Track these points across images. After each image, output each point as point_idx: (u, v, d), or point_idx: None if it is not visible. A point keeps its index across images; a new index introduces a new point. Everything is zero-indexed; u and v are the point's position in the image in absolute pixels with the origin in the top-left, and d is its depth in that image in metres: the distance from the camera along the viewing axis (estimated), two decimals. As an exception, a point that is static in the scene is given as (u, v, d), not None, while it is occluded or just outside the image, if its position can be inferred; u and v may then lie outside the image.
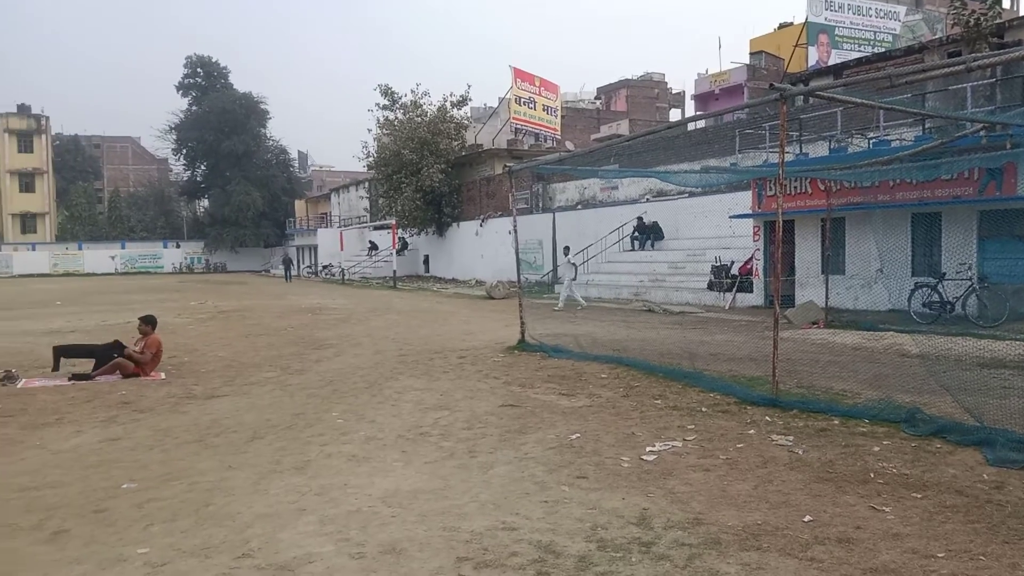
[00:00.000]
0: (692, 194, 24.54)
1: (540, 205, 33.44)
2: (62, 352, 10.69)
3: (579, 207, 30.83)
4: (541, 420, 7.24)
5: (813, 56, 34.95)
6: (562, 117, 44.46)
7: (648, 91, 62.26)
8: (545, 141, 41.61)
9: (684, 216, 25.10)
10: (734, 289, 19.86)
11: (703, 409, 7.52)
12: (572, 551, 4.06)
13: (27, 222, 68.73)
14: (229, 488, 5.32)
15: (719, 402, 7.82)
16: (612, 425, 6.97)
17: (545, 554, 4.03)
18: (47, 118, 70.47)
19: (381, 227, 44.83)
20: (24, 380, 9.96)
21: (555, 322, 15.58)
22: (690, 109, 58.69)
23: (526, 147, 39.52)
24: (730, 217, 21.13)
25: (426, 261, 43.65)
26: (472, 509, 4.76)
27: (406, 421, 7.34)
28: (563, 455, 5.98)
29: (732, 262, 20.71)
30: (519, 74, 39.74)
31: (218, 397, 8.84)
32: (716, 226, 23.07)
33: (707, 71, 52.28)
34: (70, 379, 9.96)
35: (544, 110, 41.37)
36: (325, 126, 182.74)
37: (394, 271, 37.69)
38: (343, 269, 44.77)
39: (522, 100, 39.71)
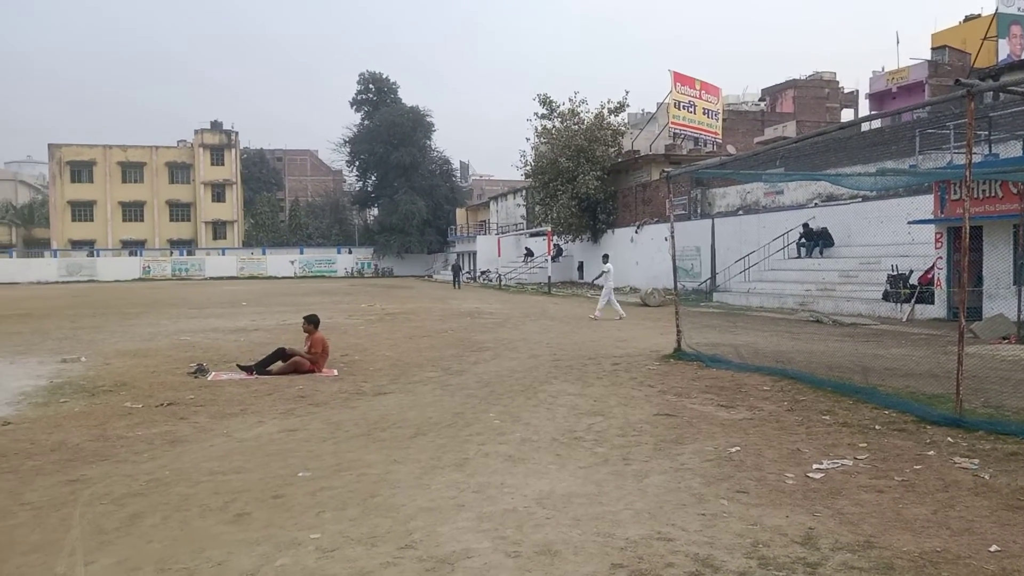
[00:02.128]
0: (866, 198, 23.10)
1: (699, 211, 32.64)
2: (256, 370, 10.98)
3: (740, 212, 29.82)
4: (698, 431, 7.07)
5: (1004, 49, 31.96)
6: (723, 120, 43.20)
7: (817, 91, 59.24)
8: (705, 145, 40.58)
9: (857, 222, 23.66)
10: (912, 300, 18.47)
11: (876, 427, 7.05)
12: (731, 567, 3.94)
13: (218, 229, 75.32)
14: (394, 481, 5.58)
15: (894, 420, 7.30)
16: (775, 440, 6.69)
17: (702, 567, 3.93)
18: (236, 133, 77.01)
19: (537, 234, 45.43)
20: (213, 373, 10.93)
21: (714, 331, 15.15)
22: (864, 109, 55.34)
23: (684, 152, 38.72)
24: (909, 223, 19.68)
25: (580, 267, 43.75)
26: (627, 516, 4.73)
27: (560, 425, 7.39)
28: (722, 468, 5.81)
29: (911, 271, 19.28)
30: (679, 78, 39.02)
31: (385, 394, 9.29)
32: (893, 232, 21.57)
33: (883, 68, 49.10)
34: (241, 369, 10.86)
35: (704, 113, 40.36)
36: (486, 136, 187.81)
37: (549, 277, 38.06)
38: (500, 275, 45.74)
39: (681, 104, 38.94)
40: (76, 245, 69.53)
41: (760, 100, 60.30)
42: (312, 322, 11.44)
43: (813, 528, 4.47)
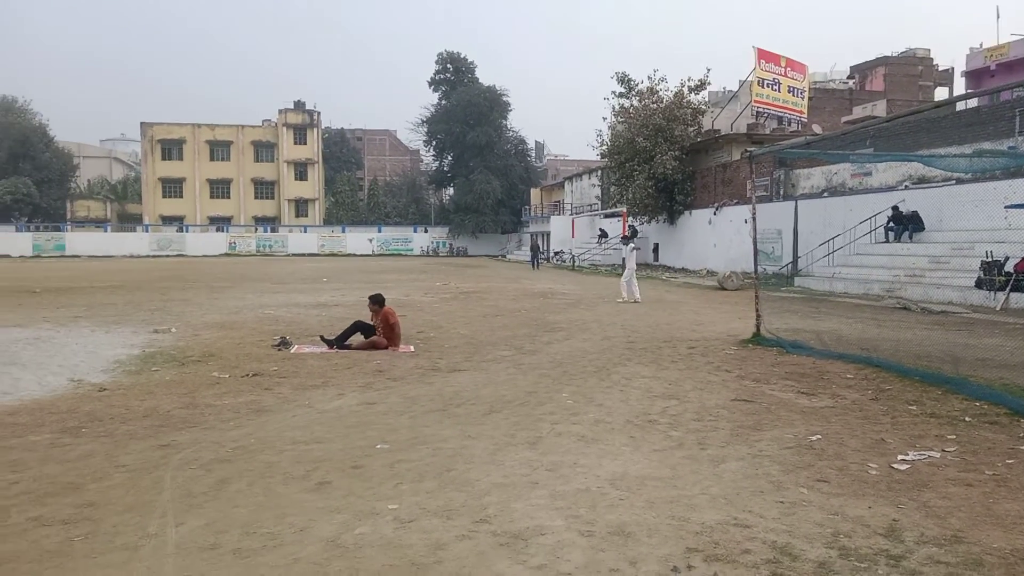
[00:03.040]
0: (960, 181, 21.98)
1: (781, 192, 31.71)
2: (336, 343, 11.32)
3: (825, 194, 28.83)
4: (777, 418, 6.91)
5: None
6: (809, 99, 41.73)
7: (910, 68, 56.54)
8: (789, 124, 39.30)
9: (950, 205, 22.56)
10: (1008, 288, 17.54)
11: (966, 419, 6.75)
12: (811, 556, 3.85)
13: (300, 207, 77.31)
14: (468, 456, 5.66)
15: (986, 412, 6.97)
16: (858, 429, 6.48)
17: (780, 555, 3.85)
18: (319, 113, 78.64)
19: (611, 215, 45.03)
20: (296, 346, 11.27)
21: (795, 317, 14.74)
22: (959, 87, 52.63)
23: (767, 131, 37.61)
24: (1006, 207, 18.64)
25: (656, 249, 43.17)
26: (702, 501, 4.67)
27: (634, 407, 7.34)
28: (802, 456, 5.67)
29: (1006, 258, 18.29)
30: (763, 55, 37.83)
31: (459, 371, 9.41)
32: (988, 217, 20.46)
33: (981, 45, 46.53)
34: (324, 341, 11.17)
35: (789, 92, 39.04)
36: (562, 116, 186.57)
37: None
38: (573, 256, 45.56)
39: (765, 82, 37.76)
40: (166, 221, 72.51)
41: (848, 78, 57.93)
42: (376, 302, 11.60)
43: (897, 520, 4.33)
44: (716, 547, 3.95)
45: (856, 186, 27.55)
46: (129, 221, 74.84)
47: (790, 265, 28.08)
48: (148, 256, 62.93)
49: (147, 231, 69.03)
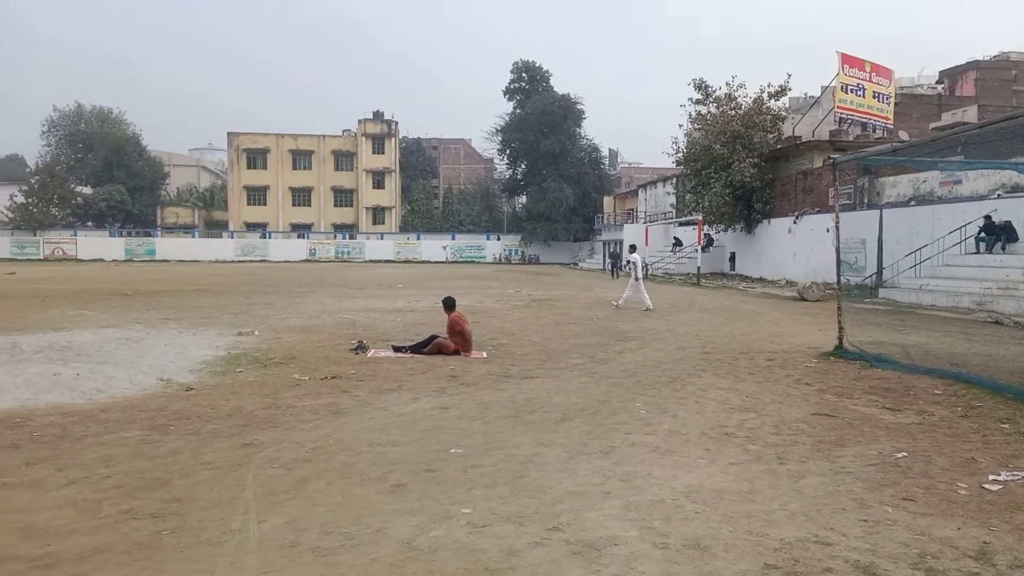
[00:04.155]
0: (1060, 189, 20.83)
1: (865, 201, 30.66)
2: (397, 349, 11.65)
3: (912, 203, 27.74)
4: (861, 433, 6.68)
5: None
6: (895, 105, 40.26)
7: (1003, 73, 53.95)
8: (874, 131, 37.98)
9: (1048, 215, 21.41)
10: (1114, 303, 16.51)
11: (1067, 440, 6.38)
12: (895, 577, 3.71)
13: (377, 215, 78.86)
14: (541, 463, 5.66)
15: (1090, 434, 6.59)
16: (947, 447, 6.21)
17: (864, 575, 3.73)
18: (396, 123, 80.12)
19: (686, 223, 44.33)
20: (373, 350, 11.50)
21: (879, 329, 14.23)
22: (1060, 90, 49.89)
23: (851, 138, 36.44)
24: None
25: (732, 259, 42.29)
26: (781, 517, 4.55)
27: (710, 419, 7.21)
28: (886, 473, 5.46)
29: (1113, 270, 17.24)
30: (847, 59, 36.71)
31: (531, 378, 9.42)
32: (1092, 227, 19.35)
33: (1085, 45, 44.05)
34: (394, 350, 11.39)
35: (874, 97, 37.74)
36: (638, 123, 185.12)
37: (698, 268, 37.09)
38: (646, 264, 45.05)
39: (849, 87, 36.61)
40: (251, 227, 74.95)
41: (937, 83, 55.67)
42: (447, 305, 11.86)
43: (988, 543, 4.13)
44: (796, 564, 3.85)
45: (945, 195, 26.41)
46: (215, 227, 77.69)
47: (874, 276, 27.10)
48: (233, 261, 65.14)
49: (232, 237, 71.49)
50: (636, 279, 20.46)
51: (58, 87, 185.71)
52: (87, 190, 71.74)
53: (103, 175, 72.58)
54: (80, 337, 12.39)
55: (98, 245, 66.05)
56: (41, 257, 63.55)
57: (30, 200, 65.81)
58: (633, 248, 23.14)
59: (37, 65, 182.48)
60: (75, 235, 66.95)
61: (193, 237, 71.72)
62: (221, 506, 4.70)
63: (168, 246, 67.56)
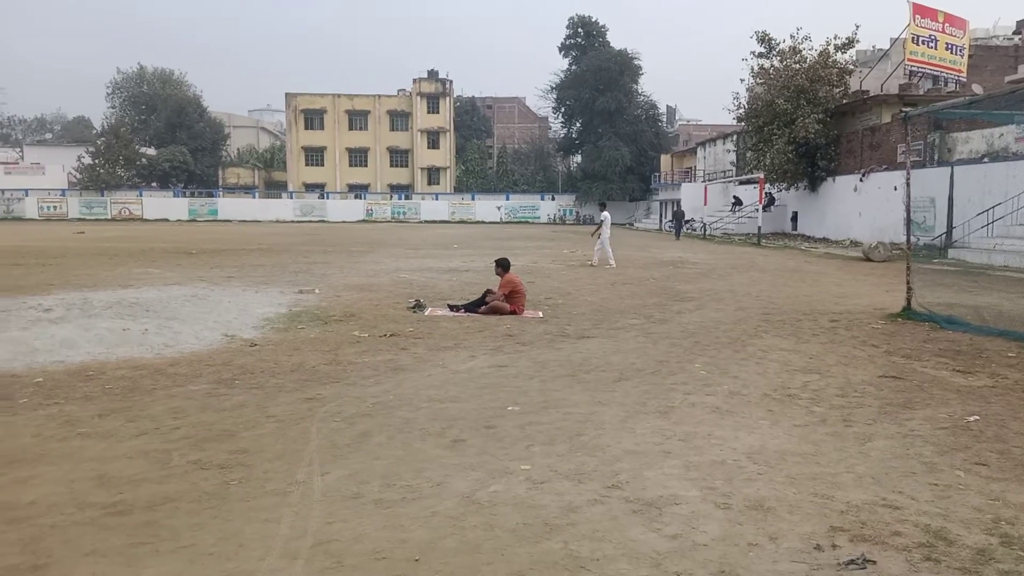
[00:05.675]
0: None
1: (936, 157, 29.44)
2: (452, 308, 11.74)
3: (985, 160, 26.52)
4: (930, 396, 6.47)
5: None
6: (969, 57, 38.32)
7: (1090, 19, 50.73)
8: (946, 84, 36.28)
9: None
10: None
11: None
12: (968, 542, 3.59)
13: (432, 175, 79.05)
14: (599, 422, 5.63)
15: None
16: (1021, 411, 5.98)
17: (935, 540, 3.62)
18: (451, 82, 79.74)
19: (747, 181, 43.30)
20: (430, 308, 11.58)
21: (948, 291, 13.75)
22: None
23: (922, 92, 34.89)
24: None
25: (794, 218, 41.22)
26: (847, 480, 4.45)
27: (772, 381, 7.07)
28: (957, 437, 5.29)
29: None
30: (918, 9, 34.98)
31: (587, 338, 9.38)
32: None
33: None
34: (450, 308, 11.44)
35: (947, 49, 35.95)
36: (696, 79, 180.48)
37: (759, 227, 36.29)
38: (705, 224, 44.28)
39: (920, 39, 34.92)
40: (309, 188, 75.99)
41: (1014, 33, 52.70)
42: (501, 265, 11.83)
43: (1071, 512, 3.96)
44: (863, 527, 3.76)
45: (1021, 151, 25.18)
46: (275, 188, 79.00)
47: (943, 236, 26.12)
48: (292, 221, 66.23)
49: (291, 198, 72.62)
50: (601, 237, 21.30)
51: (121, 52, 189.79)
52: (151, 151, 73.48)
53: (166, 136, 74.21)
54: (147, 294, 12.77)
55: (163, 205, 67.86)
56: (109, 217, 65.64)
57: (97, 161, 67.81)
58: (603, 206, 24.40)
59: (102, 31, 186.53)
60: (140, 195, 68.87)
61: (253, 198, 73.06)
62: (286, 458, 4.80)
63: (230, 206, 68.98)
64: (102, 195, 67.58)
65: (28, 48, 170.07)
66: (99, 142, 69.87)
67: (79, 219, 62.94)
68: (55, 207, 66.27)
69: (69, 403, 6.09)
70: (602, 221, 21.78)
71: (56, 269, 17.59)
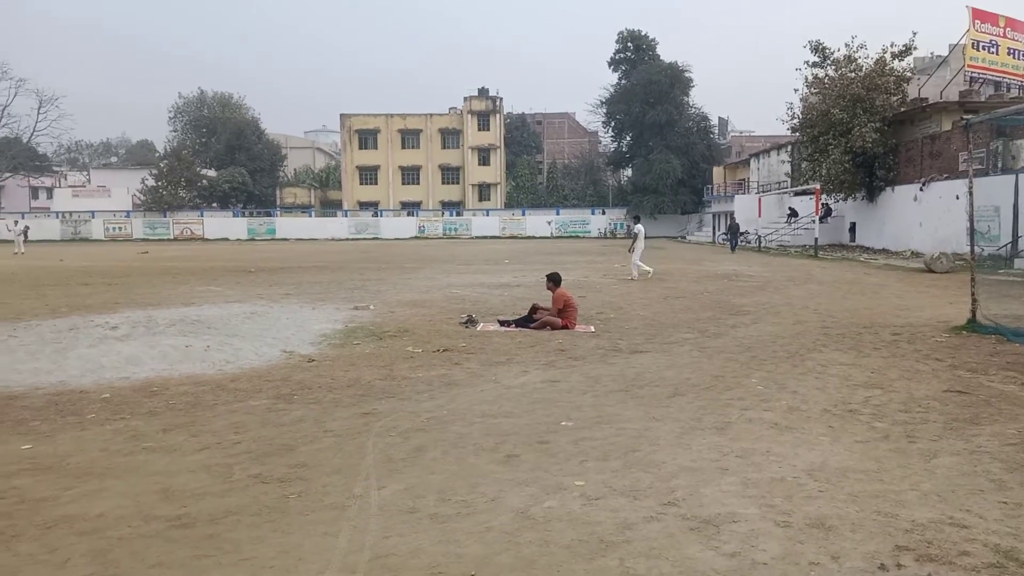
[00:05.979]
0: None
1: (999, 165, 28.50)
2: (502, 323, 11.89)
3: (1055, 167, 25.59)
4: (999, 411, 6.25)
5: None
6: (1034, 61, 37.07)
7: None
8: (1008, 90, 35.16)
9: None
10: None
11: None
12: (1043, 565, 3.46)
13: (483, 191, 79.58)
14: (653, 438, 5.59)
15: None
16: (1098, 428, 5.74)
17: (1005, 560, 3.50)
18: (501, 99, 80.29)
19: (803, 192, 42.50)
20: (482, 324, 11.65)
21: (1016, 302, 13.28)
22: None
23: (983, 98, 33.88)
24: None
25: (852, 229, 40.30)
26: (912, 498, 4.32)
27: (832, 396, 6.92)
28: (1029, 454, 5.10)
29: None
30: (978, 14, 34.04)
31: (640, 353, 9.31)
32: None
33: None
34: (501, 324, 11.49)
35: (1009, 54, 34.87)
36: (749, 90, 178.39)
37: (815, 239, 35.57)
38: (759, 236, 43.59)
39: (981, 44, 33.97)
40: (363, 206, 77.21)
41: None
42: (552, 280, 11.86)
43: None
44: (929, 547, 3.65)
45: (1094, 155, 24.21)
46: (330, 207, 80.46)
47: (1009, 245, 25.23)
48: (347, 239, 67.31)
49: (346, 216, 73.88)
50: (631, 250, 21.38)
51: (182, 79, 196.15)
52: (211, 172, 75.63)
53: (225, 158, 76.31)
54: (209, 311, 13.12)
55: (223, 225, 69.70)
56: (171, 237, 67.73)
57: (160, 183, 70.18)
58: (637, 219, 24.49)
59: (164, 61, 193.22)
60: (202, 216, 70.91)
61: (310, 216, 74.54)
62: (343, 472, 4.88)
63: (287, 225, 70.48)
64: (165, 216, 69.83)
65: (94, 80, 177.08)
66: (162, 165, 72.31)
67: (143, 239, 65.11)
68: (120, 228, 68.66)
69: (135, 418, 6.30)
70: (636, 235, 21.78)
71: (121, 288, 18.21)
